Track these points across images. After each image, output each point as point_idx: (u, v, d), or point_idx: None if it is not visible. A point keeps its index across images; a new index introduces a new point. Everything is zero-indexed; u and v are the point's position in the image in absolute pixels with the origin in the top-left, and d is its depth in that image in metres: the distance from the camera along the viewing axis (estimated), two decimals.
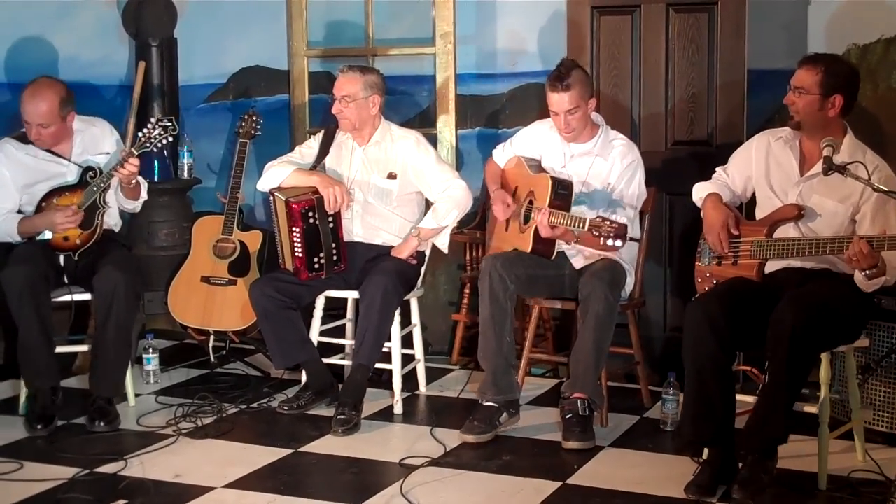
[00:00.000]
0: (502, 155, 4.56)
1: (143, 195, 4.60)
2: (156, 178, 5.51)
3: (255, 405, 4.57)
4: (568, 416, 4.06)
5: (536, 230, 4.07)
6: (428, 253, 4.66)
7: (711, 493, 3.51)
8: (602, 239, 3.78)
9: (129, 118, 5.42)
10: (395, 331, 4.47)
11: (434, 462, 3.87)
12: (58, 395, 4.31)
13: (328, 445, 4.09)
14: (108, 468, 3.81)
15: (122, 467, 3.82)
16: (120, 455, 3.91)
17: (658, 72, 4.83)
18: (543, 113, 4.43)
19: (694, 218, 4.19)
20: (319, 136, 4.73)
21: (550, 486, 3.64)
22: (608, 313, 4.06)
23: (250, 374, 5.06)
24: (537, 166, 4.36)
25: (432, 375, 4.93)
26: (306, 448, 4.06)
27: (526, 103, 5.23)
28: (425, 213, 4.59)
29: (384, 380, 4.69)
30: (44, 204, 4.36)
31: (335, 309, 4.84)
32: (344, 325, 4.90)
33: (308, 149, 4.71)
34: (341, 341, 4.80)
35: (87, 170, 4.41)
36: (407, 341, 4.64)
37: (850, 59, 4.31)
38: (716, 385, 3.55)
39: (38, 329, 4.18)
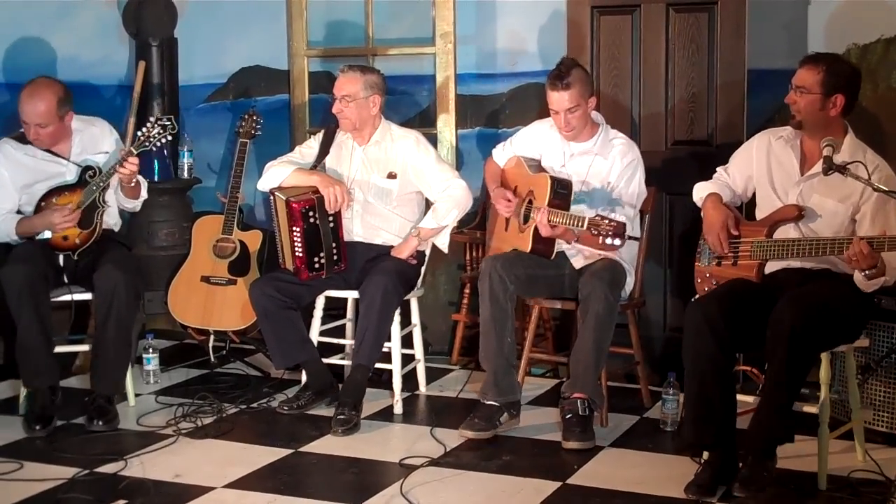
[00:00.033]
0: (502, 154, 4.56)
1: (143, 194, 4.60)
2: (156, 178, 5.51)
3: (255, 405, 4.57)
4: (568, 416, 4.06)
5: (536, 230, 4.07)
6: (428, 253, 4.66)
7: (711, 494, 3.51)
8: (601, 237, 3.78)
9: (129, 118, 5.42)
10: (395, 331, 4.47)
11: (434, 462, 3.87)
12: (57, 395, 4.31)
13: (328, 445, 4.09)
14: (108, 468, 3.81)
15: (122, 467, 3.81)
16: (120, 455, 3.91)
17: (658, 72, 4.83)
18: (543, 113, 4.42)
19: (694, 218, 4.19)
20: (319, 135, 4.73)
21: (550, 486, 3.64)
22: (608, 313, 4.06)
23: (250, 374, 5.06)
24: (537, 166, 4.36)
25: (432, 375, 4.93)
26: (306, 448, 4.05)
27: (526, 103, 5.23)
28: (425, 213, 4.59)
29: (384, 380, 4.69)
30: (43, 204, 4.36)
31: (335, 309, 4.83)
32: (344, 325, 4.90)
33: (308, 149, 4.71)
34: (341, 341, 4.80)
35: (86, 169, 4.41)
36: (407, 341, 4.63)
37: (850, 59, 4.30)
38: (716, 387, 3.55)
39: (38, 329, 4.17)
